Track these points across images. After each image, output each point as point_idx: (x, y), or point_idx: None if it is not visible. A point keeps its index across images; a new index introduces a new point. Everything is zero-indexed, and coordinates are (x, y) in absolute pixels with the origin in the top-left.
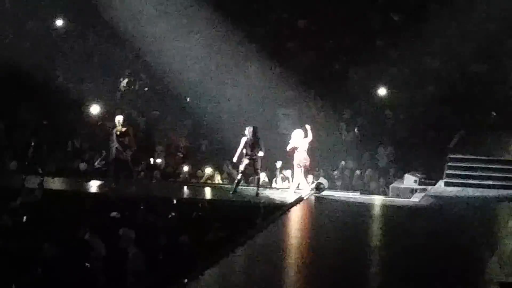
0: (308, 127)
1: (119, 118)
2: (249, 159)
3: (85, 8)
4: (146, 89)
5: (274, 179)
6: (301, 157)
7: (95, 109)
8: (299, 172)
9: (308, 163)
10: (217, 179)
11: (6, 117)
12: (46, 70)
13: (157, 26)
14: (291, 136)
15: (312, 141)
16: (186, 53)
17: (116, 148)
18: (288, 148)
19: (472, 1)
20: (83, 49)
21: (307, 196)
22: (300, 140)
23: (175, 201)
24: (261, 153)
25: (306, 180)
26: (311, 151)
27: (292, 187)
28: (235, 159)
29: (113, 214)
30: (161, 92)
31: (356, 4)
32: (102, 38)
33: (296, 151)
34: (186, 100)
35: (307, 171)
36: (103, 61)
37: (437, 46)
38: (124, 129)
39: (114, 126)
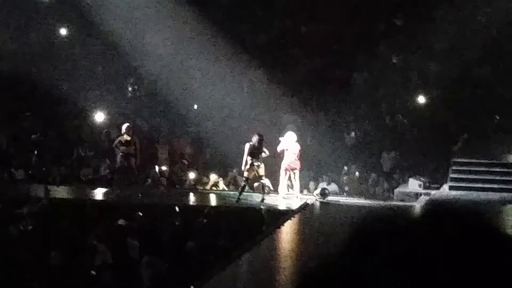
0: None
1: (124, 126)
2: (253, 165)
3: (88, 17)
4: (150, 95)
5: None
6: (290, 160)
7: (99, 117)
8: (283, 175)
9: (297, 167)
10: (222, 185)
11: (12, 126)
12: (50, 79)
13: (159, 34)
14: (284, 137)
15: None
16: (190, 60)
17: (121, 156)
18: (278, 148)
19: (475, 5)
20: (87, 57)
21: (312, 202)
22: (291, 143)
23: (181, 208)
24: (266, 153)
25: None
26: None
27: (282, 190)
28: (243, 167)
29: (120, 221)
30: (165, 99)
31: (359, 9)
32: (106, 47)
33: (286, 153)
34: (193, 107)
35: (295, 175)
36: (107, 69)
37: (440, 50)
38: (129, 138)
39: (120, 134)
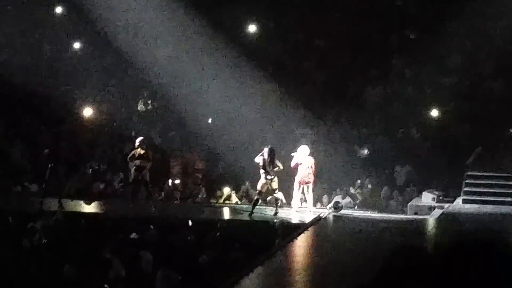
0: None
1: (138, 140)
2: (266, 179)
3: (101, 31)
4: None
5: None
6: (304, 174)
7: (113, 131)
8: (296, 188)
9: (311, 180)
10: (235, 198)
11: (25, 140)
12: (63, 93)
13: (172, 48)
14: (297, 151)
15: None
16: (204, 73)
17: (135, 169)
18: (292, 163)
19: (488, 18)
20: (100, 71)
21: (325, 216)
22: (305, 157)
23: (195, 222)
24: (279, 167)
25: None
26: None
27: (295, 204)
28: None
29: (134, 235)
30: (179, 113)
31: (372, 23)
32: (119, 60)
33: (299, 167)
34: (207, 120)
35: (308, 188)
36: (121, 83)
37: (454, 64)
38: (143, 151)
39: (133, 147)
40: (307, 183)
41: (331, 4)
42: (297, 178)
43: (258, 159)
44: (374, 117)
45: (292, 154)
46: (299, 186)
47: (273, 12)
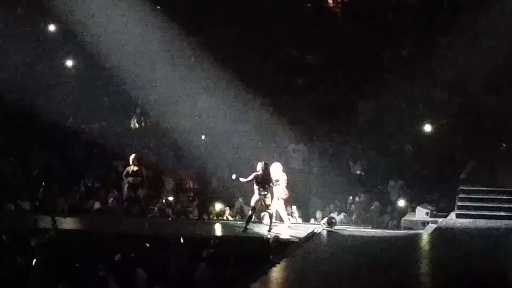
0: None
1: (131, 157)
2: (260, 195)
3: (94, 50)
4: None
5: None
6: (280, 190)
7: (106, 149)
8: (281, 204)
9: (287, 196)
10: (227, 215)
11: (18, 157)
12: (57, 110)
13: (165, 66)
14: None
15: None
16: (197, 90)
17: (128, 186)
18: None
19: (481, 32)
20: (93, 89)
21: (319, 231)
22: (279, 173)
23: (188, 238)
24: (274, 183)
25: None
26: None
27: (286, 220)
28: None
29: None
30: (172, 130)
31: (365, 38)
32: (112, 79)
33: (276, 184)
34: (200, 137)
35: (286, 204)
36: (113, 101)
37: (446, 79)
38: (136, 168)
39: (127, 164)
40: (284, 199)
41: (323, 20)
42: (275, 195)
43: (251, 176)
44: (367, 132)
45: (234, 176)
46: (280, 201)
47: (266, 29)
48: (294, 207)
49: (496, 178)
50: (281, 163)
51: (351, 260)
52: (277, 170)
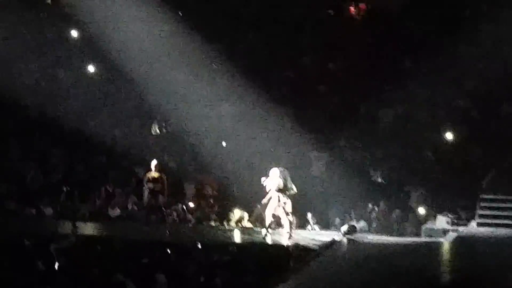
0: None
1: (153, 163)
2: (279, 202)
3: (115, 55)
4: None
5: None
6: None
7: (127, 154)
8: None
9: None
10: (246, 221)
11: (40, 162)
12: (78, 116)
13: (186, 72)
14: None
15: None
16: (216, 97)
17: (149, 192)
18: (267, 188)
19: (503, 40)
20: (115, 95)
21: (339, 239)
22: (277, 179)
23: (208, 245)
24: (294, 190)
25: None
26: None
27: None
28: (265, 201)
29: (147, 258)
30: (193, 136)
31: (387, 45)
32: (133, 84)
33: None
34: (221, 144)
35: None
36: (135, 106)
37: (468, 86)
38: (157, 175)
39: (148, 171)
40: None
41: (344, 27)
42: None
43: (269, 183)
44: (387, 140)
45: (263, 178)
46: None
47: (287, 36)
48: (309, 214)
49: None
50: (287, 169)
51: (372, 269)
52: (275, 176)
